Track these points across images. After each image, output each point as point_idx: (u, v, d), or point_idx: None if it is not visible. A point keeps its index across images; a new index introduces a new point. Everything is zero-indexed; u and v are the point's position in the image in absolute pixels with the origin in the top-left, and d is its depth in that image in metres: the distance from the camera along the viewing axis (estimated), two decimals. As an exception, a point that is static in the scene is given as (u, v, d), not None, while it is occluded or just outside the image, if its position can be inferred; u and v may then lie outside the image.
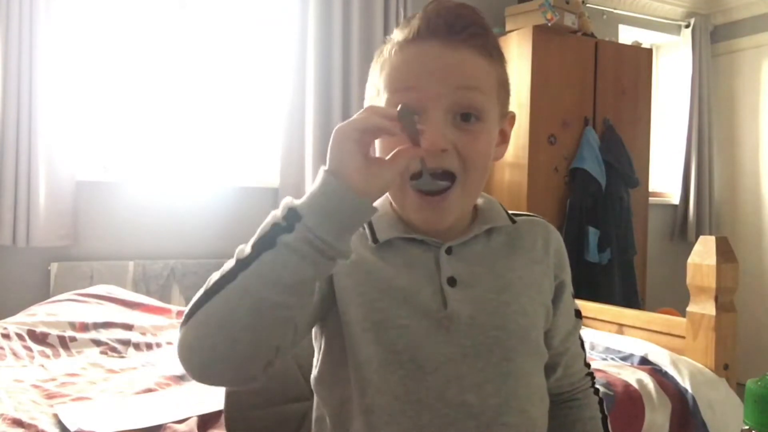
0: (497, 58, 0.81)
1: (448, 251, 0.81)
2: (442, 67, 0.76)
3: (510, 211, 0.90)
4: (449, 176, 0.77)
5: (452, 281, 0.80)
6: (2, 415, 1.24)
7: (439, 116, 0.75)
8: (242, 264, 0.63)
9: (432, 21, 0.77)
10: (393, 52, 0.79)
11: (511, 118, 0.85)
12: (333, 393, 0.82)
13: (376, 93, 0.82)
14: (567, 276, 0.91)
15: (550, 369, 0.90)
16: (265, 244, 0.63)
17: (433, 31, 0.76)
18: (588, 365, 0.97)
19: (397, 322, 0.77)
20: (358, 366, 0.77)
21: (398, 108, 0.67)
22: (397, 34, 0.80)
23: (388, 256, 0.80)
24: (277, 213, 0.64)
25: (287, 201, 0.65)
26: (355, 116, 0.66)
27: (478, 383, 0.78)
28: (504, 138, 0.84)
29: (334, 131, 0.66)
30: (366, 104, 0.85)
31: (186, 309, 0.66)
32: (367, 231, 0.82)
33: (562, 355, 0.91)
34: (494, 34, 0.82)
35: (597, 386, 0.98)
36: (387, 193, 0.83)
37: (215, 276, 0.65)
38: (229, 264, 0.64)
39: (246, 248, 0.64)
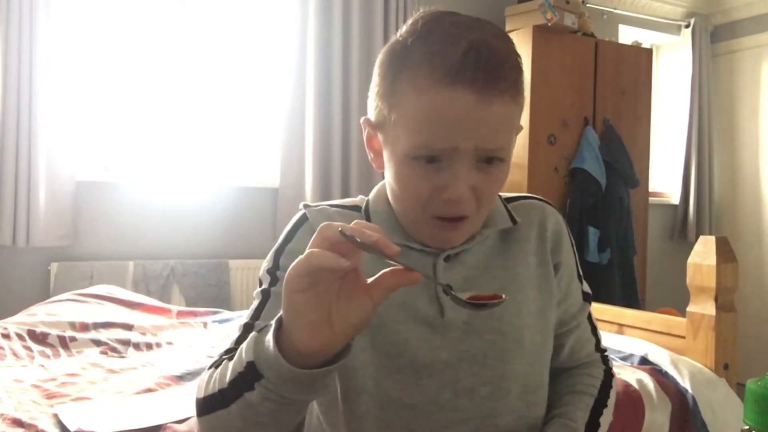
0: (522, 91, 0.76)
1: (446, 258, 0.80)
2: (474, 124, 0.70)
3: (508, 195, 0.88)
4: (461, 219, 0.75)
5: (448, 289, 0.79)
6: (2, 415, 1.24)
7: (464, 167, 0.71)
8: (226, 396, 0.65)
9: (468, 68, 0.68)
10: (419, 91, 0.70)
11: (518, 130, 0.82)
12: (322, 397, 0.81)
13: (389, 115, 0.75)
14: (565, 257, 0.87)
15: (555, 350, 0.88)
16: (236, 390, 0.63)
17: (469, 81, 0.68)
18: (602, 351, 0.94)
19: (395, 327, 0.77)
20: (350, 374, 0.76)
21: (339, 230, 0.56)
22: (423, 59, 0.70)
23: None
24: (242, 357, 0.63)
25: (248, 350, 0.62)
26: (301, 257, 0.56)
27: (472, 387, 0.78)
28: None
29: (285, 277, 0.57)
30: (370, 112, 0.80)
31: (196, 395, 0.70)
32: None
33: (565, 336, 0.89)
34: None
35: (611, 366, 0.94)
36: (387, 194, 0.81)
37: (215, 381, 0.67)
38: (225, 374, 0.65)
39: (228, 373, 0.65)
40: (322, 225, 0.57)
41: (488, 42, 0.70)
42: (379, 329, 0.77)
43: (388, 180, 0.79)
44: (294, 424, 0.68)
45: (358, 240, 0.55)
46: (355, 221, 0.58)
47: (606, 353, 0.95)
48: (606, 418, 0.87)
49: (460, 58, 0.68)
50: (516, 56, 0.73)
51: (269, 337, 0.60)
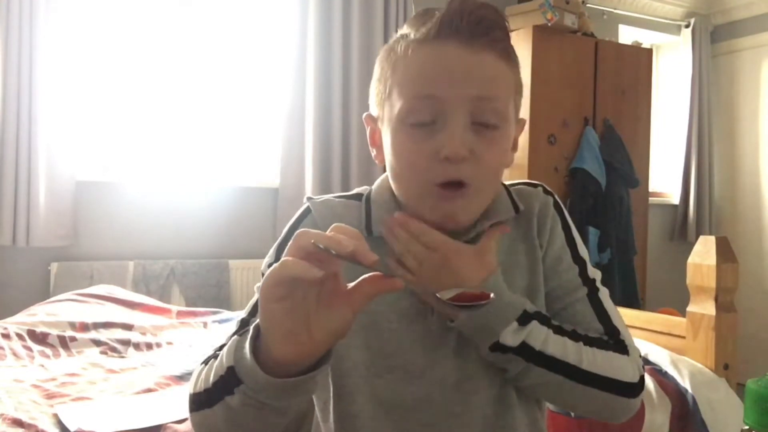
0: (515, 61, 0.77)
1: None
2: (464, 73, 0.72)
3: (506, 182, 0.85)
4: (459, 185, 0.73)
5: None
6: (2, 415, 1.24)
7: (459, 122, 0.72)
8: (210, 397, 0.64)
9: (454, 20, 0.72)
10: (409, 51, 0.74)
11: (522, 124, 0.82)
12: (319, 394, 0.81)
13: (385, 92, 0.77)
14: (551, 237, 0.82)
15: None
16: (218, 393, 0.63)
17: (454, 32, 0.72)
18: (614, 332, 0.82)
19: (387, 326, 0.76)
20: (343, 373, 0.76)
21: (312, 242, 0.54)
22: (412, 31, 0.75)
23: (381, 252, 0.71)
24: (223, 361, 0.63)
25: (228, 355, 0.62)
26: (275, 265, 0.55)
27: (464, 384, 0.77)
28: (514, 145, 0.80)
29: (261, 286, 0.57)
30: (372, 105, 0.81)
31: (189, 389, 0.69)
32: (363, 219, 0.79)
33: (556, 319, 0.79)
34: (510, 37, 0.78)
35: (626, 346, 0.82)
36: (389, 179, 0.80)
37: (202, 380, 0.67)
38: (210, 375, 0.65)
39: (211, 374, 0.65)
40: (298, 232, 0.57)
41: (473, 2, 0.73)
42: (371, 328, 0.76)
43: (388, 160, 0.78)
44: (281, 427, 0.67)
45: (333, 252, 0.54)
46: (335, 225, 0.57)
47: (625, 343, 0.82)
48: (577, 350, 0.75)
49: (444, 16, 0.73)
50: (503, 20, 0.75)
51: (247, 345, 0.60)
